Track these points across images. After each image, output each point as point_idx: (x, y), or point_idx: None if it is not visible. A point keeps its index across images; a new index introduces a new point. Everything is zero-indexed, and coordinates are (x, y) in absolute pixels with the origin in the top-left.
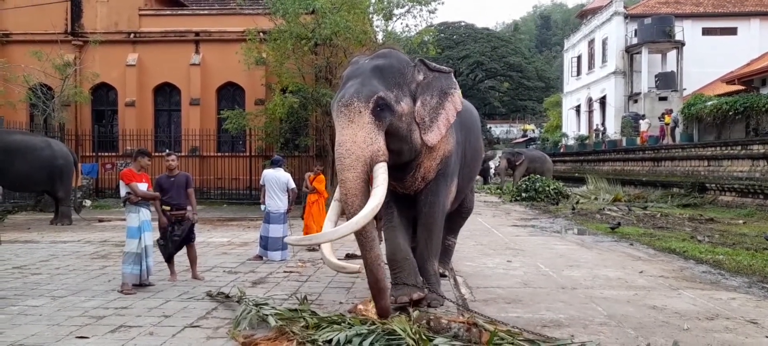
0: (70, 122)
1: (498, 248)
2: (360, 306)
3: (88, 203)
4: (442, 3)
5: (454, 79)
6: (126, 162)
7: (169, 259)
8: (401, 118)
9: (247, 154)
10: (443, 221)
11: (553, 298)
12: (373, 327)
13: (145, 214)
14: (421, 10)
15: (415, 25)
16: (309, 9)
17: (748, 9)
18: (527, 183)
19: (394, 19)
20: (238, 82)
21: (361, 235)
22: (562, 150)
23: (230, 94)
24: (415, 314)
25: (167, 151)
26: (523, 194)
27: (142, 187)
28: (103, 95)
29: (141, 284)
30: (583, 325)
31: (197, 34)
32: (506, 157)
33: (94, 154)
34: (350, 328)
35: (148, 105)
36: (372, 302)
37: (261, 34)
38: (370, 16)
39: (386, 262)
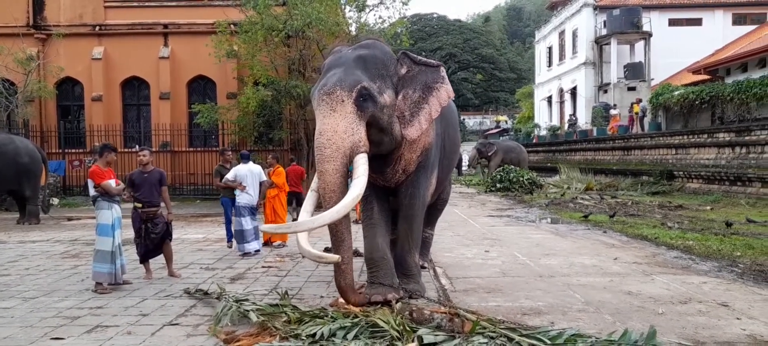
0: (35, 118)
1: (475, 239)
2: (341, 300)
3: (55, 201)
4: None
5: (443, 74)
6: (94, 159)
7: (144, 258)
8: (383, 110)
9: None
10: (424, 214)
11: (532, 286)
12: (356, 320)
13: (117, 210)
14: (394, 1)
15: (389, 17)
16: (280, 0)
17: (712, 0)
18: (502, 174)
19: (368, 10)
20: (209, 75)
21: (334, 233)
22: (534, 140)
23: (201, 87)
24: (397, 306)
25: (138, 146)
26: (498, 185)
27: (111, 183)
28: (69, 90)
29: (115, 283)
30: (562, 312)
31: (165, 26)
32: (476, 147)
33: (60, 151)
34: (333, 321)
35: (115, 99)
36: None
37: (232, 26)
38: (343, 7)
39: (364, 260)
